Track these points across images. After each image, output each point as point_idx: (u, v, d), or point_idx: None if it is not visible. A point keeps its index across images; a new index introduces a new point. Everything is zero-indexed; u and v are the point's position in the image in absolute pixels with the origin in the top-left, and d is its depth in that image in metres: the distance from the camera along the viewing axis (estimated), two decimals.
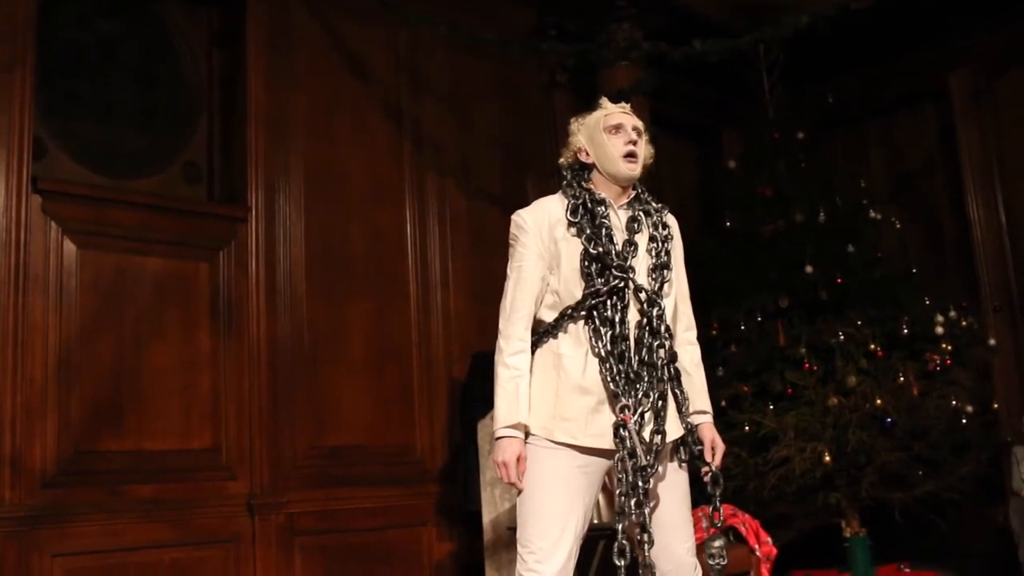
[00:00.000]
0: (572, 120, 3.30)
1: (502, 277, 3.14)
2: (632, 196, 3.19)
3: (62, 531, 4.71)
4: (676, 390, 3.08)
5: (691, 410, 3.13)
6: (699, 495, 3.21)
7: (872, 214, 6.80)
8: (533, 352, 3.07)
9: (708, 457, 3.11)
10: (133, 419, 5.07)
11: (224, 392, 5.40)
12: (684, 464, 3.10)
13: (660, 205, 3.26)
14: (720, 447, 3.16)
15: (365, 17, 6.29)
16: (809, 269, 6.25)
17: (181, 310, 5.33)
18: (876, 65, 8.09)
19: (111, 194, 5.28)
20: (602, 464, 3.01)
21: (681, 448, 3.09)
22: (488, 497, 5.66)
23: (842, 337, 6.08)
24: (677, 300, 3.18)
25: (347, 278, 5.99)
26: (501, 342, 3.07)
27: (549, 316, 3.07)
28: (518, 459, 2.95)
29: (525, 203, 3.17)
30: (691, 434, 3.10)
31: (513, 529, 5.50)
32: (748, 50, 6.67)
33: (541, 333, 3.07)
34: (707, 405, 3.22)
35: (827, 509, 6.05)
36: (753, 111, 7.24)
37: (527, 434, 3.00)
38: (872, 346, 6.08)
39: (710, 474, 3.08)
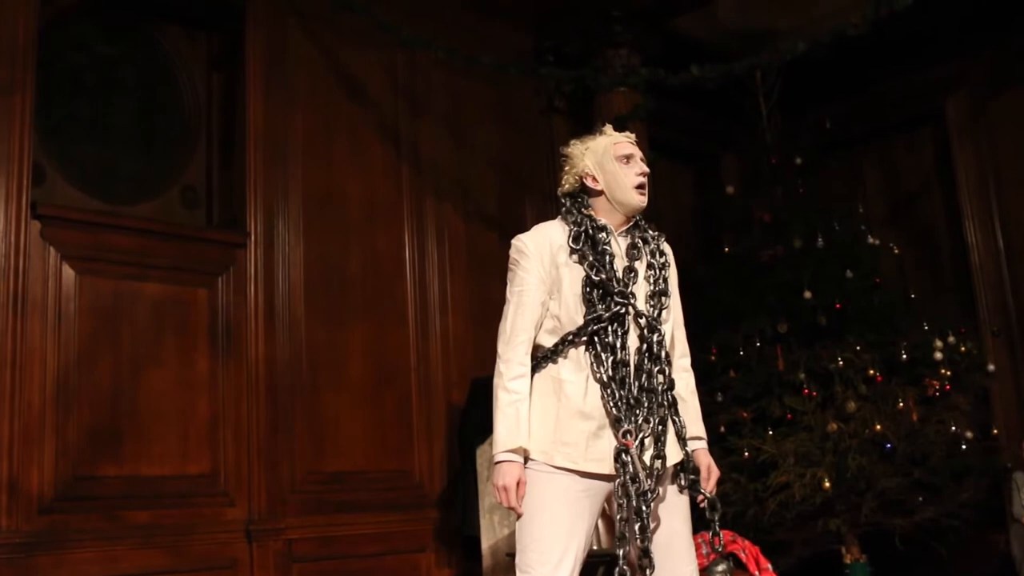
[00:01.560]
0: (572, 143, 3.28)
1: (500, 301, 3.14)
2: (631, 223, 3.20)
3: (59, 557, 4.68)
4: (674, 416, 3.08)
5: (687, 436, 3.13)
6: (699, 521, 3.20)
7: (870, 240, 6.81)
8: (532, 376, 3.06)
9: (704, 483, 3.11)
10: (131, 444, 5.05)
11: (222, 417, 5.38)
12: (684, 489, 3.10)
13: (657, 233, 3.27)
14: (715, 473, 3.17)
15: (363, 40, 6.31)
16: (808, 294, 6.25)
17: (179, 335, 5.32)
18: (873, 89, 8.12)
19: (110, 219, 5.28)
20: (602, 488, 3.00)
21: (681, 473, 3.09)
22: (487, 523, 5.64)
23: (841, 362, 6.07)
24: (673, 327, 3.19)
25: (346, 302, 5.98)
26: (501, 366, 3.06)
27: (549, 341, 3.07)
28: (518, 483, 2.94)
29: (523, 227, 3.17)
30: (688, 460, 3.10)
31: (512, 555, 5.47)
32: (745, 75, 6.71)
33: (540, 358, 3.07)
34: (702, 431, 3.23)
35: (827, 535, 6.03)
36: (751, 136, 7.27)
37: (526, 459, 2.99)
38: (871, 371, 6.08)
39: (707, 500, 3.08)
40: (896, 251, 7.26)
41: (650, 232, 3.23)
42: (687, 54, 6.34)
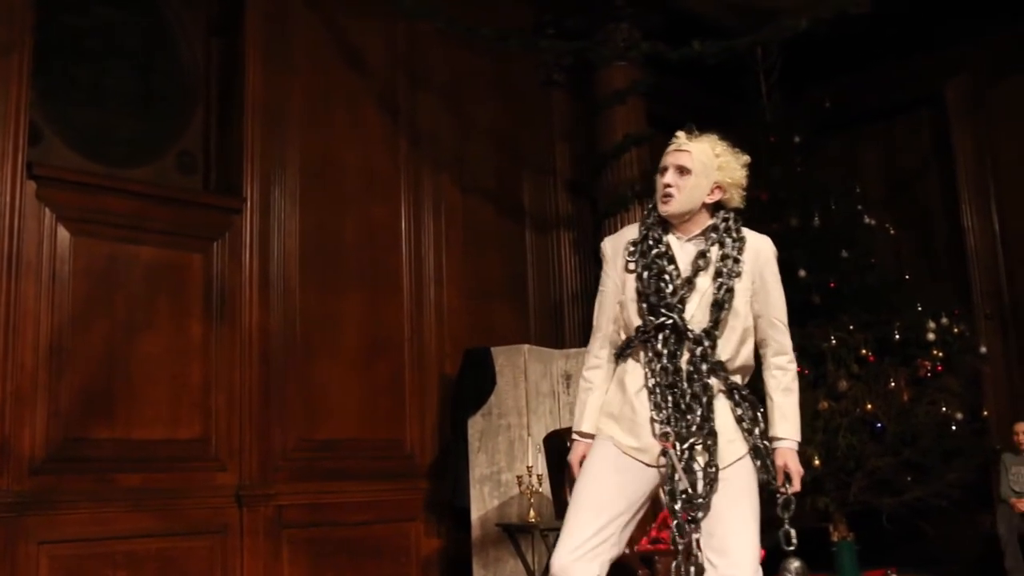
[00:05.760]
0: None
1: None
2: (707, 227, 3.19)
3: (49, 518, 4.70)
4: (746, 413, 3.10)
5: (769, 435, 3.15)
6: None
7: (867, 220, 6.81)
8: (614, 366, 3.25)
9: (780, 482, 3.13)
10: (123, 407, 5.06)
11: (215, 383, 5.39)
12: (760, 471, 3.11)
13: (740, 236, 3.20)
14: (796, 472, 3.14)
15: (363, 9, 6.29)
16: (802, 273, 6.25)
17: (173, 299, 5.32)
18: (873, 70, 8.10)
19: (106, 182, 5.26)
20: (644, 471, 3.07)
21: (757, 461, 3.11)
22: (477, 493, 5.66)
23: (834, 341, 6.08)
24: (765, 326, 3.21)
25: (340, 271, 5.98)
26: (585, 356, 3.29)
27: (623, 337, 3.21)
28: (580, 460, 3.16)
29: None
30: (768, 456, 3.11)
31: (501, 526, 5.55)
32: (746, 53, 6.68)
33: (616, 352, 3.22)
34: (787, 432, 3.19)
35: (815, 513, 6.05)
36: (750, 114, 7.24)
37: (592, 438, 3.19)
38: (864, 351, 6.09)
39: (782, 498, 3.11)
40: (892, 232, 7.27)
41: (732, 235, 3.19)
42: (688, 29, 6.31)
